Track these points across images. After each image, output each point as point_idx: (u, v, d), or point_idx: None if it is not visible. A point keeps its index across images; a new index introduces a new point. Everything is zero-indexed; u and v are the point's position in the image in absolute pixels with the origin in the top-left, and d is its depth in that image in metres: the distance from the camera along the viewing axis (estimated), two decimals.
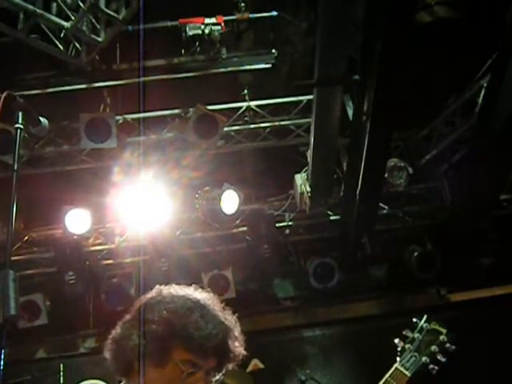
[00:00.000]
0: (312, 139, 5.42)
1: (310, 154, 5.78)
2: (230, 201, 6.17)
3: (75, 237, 6.27)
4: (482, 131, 5.39)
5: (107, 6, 5.09)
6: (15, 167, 2.06)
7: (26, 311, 6.33)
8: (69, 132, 6.04)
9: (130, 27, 5.41)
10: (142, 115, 5.91)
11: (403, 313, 6.90)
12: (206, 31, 5.65)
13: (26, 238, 6.62)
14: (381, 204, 6.49)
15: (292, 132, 6.29)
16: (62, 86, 5.76)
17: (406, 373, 2.54)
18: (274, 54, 5.92)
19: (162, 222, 6.19)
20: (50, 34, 5.17)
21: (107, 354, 1.91)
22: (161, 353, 1.78)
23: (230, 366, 1.89)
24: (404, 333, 2.68)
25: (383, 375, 2.60)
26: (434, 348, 2.61)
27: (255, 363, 6.20)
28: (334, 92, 4.85)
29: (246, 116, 6.20)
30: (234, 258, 6.92)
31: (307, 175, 6.20)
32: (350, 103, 5.29)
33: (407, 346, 2.63)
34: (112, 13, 5.04)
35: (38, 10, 4.94)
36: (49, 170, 6.20)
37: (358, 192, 5.57)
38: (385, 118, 4.80)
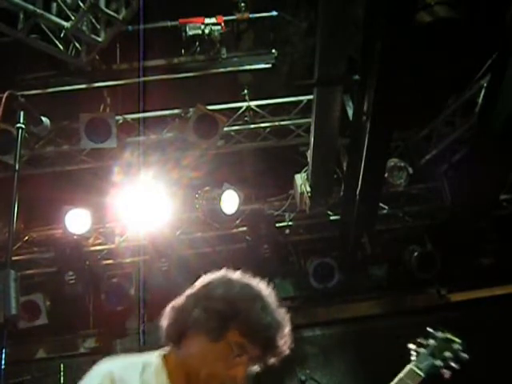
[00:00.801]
0: (312, 139, 5.43)
1: (310, 153, 5.78)
2: (230, 201, 6.17)
3: (75, 237, 6.28)
4: (482, 131, 5.39)
5: (107, 6, 5.09)
6: (16, 167, 2.05)
7: (26, 311, 6.32)
8: (69, 132, 6.04)
9: (130, 27, 5.41)
10: (141, 115, 5.91)
11: (403, 313, 6.90)
12: (206, 31, 5.66)
13: (26, 237, 6.63)
14: (381, 204, 6.49)
15: (292, 132, 6.29)
16: (62, 85, 5.77)
17: (420, 373, 2.60)
18: (274, 54, 5.92)
19: (161, 222, 6.19)
20: (50, 34, 5.17)
21: (164, 320, 1.96)
22: (218, 330, 1.86)
23: (270, 361, 1.95)
24: (418, 340, 2.73)
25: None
26: (448, 354, 2.67)
27: None
28: (334, 92, 4.86)
29: (246, 116, 6.20)
30: (234, 258, 6.91)
31: (307, 175, 6.20)
32: (350, 103, 5.30)
33: (421, 350, 2.68)
34: (112, 13, 5.05)
35: (38, 10, 4.94)
36: (49, 169, 6.20)
37: (357, 192, 5.57)
38: (385, 118, 4.81)
